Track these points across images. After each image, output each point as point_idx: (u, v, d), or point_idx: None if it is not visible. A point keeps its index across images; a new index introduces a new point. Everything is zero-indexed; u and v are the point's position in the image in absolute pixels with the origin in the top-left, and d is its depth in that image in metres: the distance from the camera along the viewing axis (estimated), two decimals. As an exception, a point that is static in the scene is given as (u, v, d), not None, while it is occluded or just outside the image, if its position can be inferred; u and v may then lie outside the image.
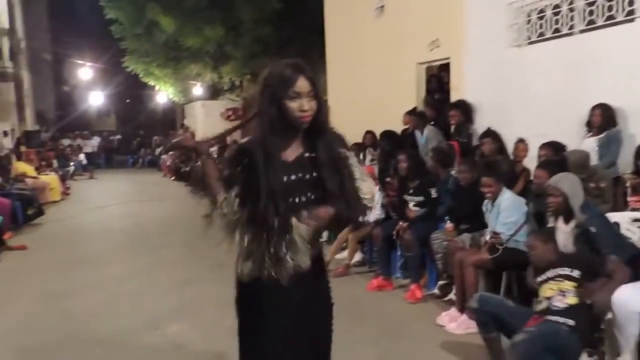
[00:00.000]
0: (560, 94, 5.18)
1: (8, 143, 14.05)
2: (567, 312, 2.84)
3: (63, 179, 12.67)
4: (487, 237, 3.84)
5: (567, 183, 3.27)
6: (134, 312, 4.27)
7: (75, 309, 4.38)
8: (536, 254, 3.15)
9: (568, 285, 2.92)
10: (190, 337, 3.72)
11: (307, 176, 1.78)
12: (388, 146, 6.50)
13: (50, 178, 11.23)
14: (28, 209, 8.10)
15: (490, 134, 5.09)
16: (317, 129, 1.80)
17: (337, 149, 1.84)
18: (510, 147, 5.06)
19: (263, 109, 1.75)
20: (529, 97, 5.55)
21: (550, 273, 3.02)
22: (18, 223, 7.70)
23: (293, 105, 1.72)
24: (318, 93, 1.78)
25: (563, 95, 5.14)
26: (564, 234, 3.26)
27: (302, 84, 1.73)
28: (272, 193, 1.69)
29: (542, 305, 2.94)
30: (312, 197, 1.79)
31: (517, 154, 4.90)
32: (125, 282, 5.17)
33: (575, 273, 2.94)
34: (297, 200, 1.76)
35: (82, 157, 17.57)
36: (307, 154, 1.81)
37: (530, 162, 4.68)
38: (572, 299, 2.88)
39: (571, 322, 2.79)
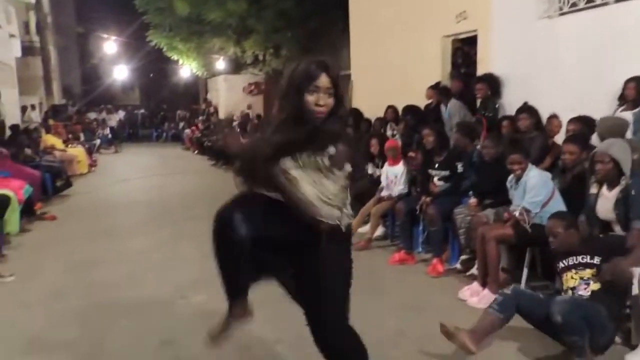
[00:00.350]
0: (591, 67, 5.01)
1: (36, 116, 14.33)
2: (594, 299, 2.84)
3: (90, 152, 12.91)
4: (517, 214, 3.77)
5: (618, 149, 3.20)
6: (160, 282, 4.38)
7: (103, 278, 4.51)
8: (558, 240, 3.10)
9: (589, 273, 2.91)
10: (215, 306, 3.77)
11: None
12: (412, 121, 6.45)
13: (78, 151, 11.45)
14: (57, 180, 8.29)
15: (526, 109, 4.94)
16: (327, 124, 1.93)
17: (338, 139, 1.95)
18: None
19: (286, 97, 1.93)
20: (559, 71, 5.39)
21: (571, 260, 3.00)
22: (47, 194, 7.90)
23: (311, 98, 1.89)
24: (339, 92, 1.93)
25: (595, 68, 4.98)
26: (606, 201, 3.21)
27: (323, 80, 1.89)
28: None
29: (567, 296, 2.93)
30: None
31: (552, 129, 4.77)
32: (150, 253, 5.28)
33: (596, 260, 2.93)
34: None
35: (107, 130, 17.81)
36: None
37: (559, 137, 4.58)
38: (594, 285, 2.87)
39: (602, 308, 2.79)
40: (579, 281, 2.94)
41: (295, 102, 1.90)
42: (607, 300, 2.84)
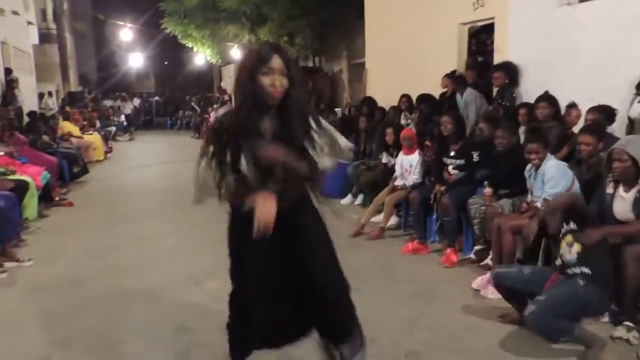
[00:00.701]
0: (611, 55, 4.91)
1: (53, 103, 14.48)
2: (579, 260, 2.93)
3: (105, 139, 13.03)
4: (539, 204, 3.73)
5: (636, 146, 3.08)
6: (174, 268, 4.43)
7: (119, 263, 4.57)
8: (550, 222, 3.22)
9: (570, 238, 3.02)
10: (228, 293, 3.83)
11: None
12: (426, 110, 6.40)
13: (94, 138, 11.56)
14: (74, 167, 8.40)
15: (546, 98, 4.86)
16: (288, 105, 1.99)
17: (305, 116, 2.05)
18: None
19: (241, 82, 1.95)
20: (578, 59, 5.30)
21: (562, 231, 3.12)
22: (64, 180, 8.01)
23: (266, 80, 1.92)
24: (292, 73, 1.97)
25: (614, 56, 4.88)
26: (624, 202, 3.15)
27: (275, 62, 1.92)
28: (253, 162, 1.92)
29: (558, 262, 3.07)
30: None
31: (571, 120, 4.67)
32: (165, 239, 5.34)
33: (572, 225, 3.04)
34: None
35: (122, 118, 17.95)
36: (279, 130, 2.00)
37: (577, 127, 4.51)
38: (577, 247, 2.97)
39: (585, 269, 2.86)
40: (565, 247, 3.04)
41: (250, 85, 1.93)
42: (591, 260, 2.90)
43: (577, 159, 4.05)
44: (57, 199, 6.92)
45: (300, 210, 2.13)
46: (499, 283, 3.18)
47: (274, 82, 1.92)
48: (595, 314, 3.03)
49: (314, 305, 2.16)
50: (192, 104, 20.09)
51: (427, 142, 5.25)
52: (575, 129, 4.61)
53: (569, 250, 2.99)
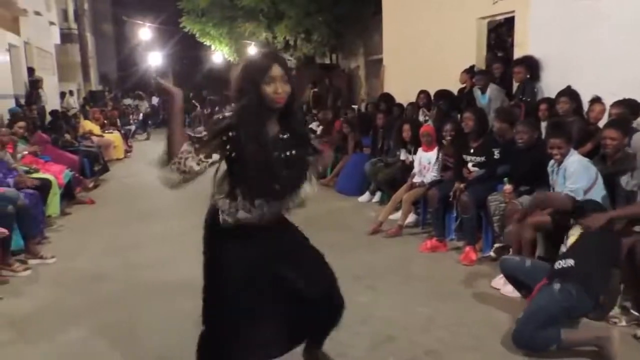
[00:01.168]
0: (636, 48, 4.80)
1: (74, 102, 14.73)
2: (567, 252, 2.99)
3: (125, 137, 13.19)
4: None
5: None
6: (192, 265, 4.39)
7: (139, 260, 4.63)
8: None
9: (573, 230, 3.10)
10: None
11: (282, 155, 2.07)
12: (445, 106, 6.34)
13: (114, 136, 11.71)
14: (95, 165, 8.52)
15: (567, 92, 4.77)
16: (290, 110, 2.10)
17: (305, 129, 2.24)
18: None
19: (244, 92, 2.03)
20: (601, 52, 5.19)
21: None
22: (86, 179, 8.13)
23: (269, 88, 2.01)
24: (291, 79, 2.07)
25: (638, 50, 4.76)
26: None
27: (275, 70, 2.02)
28: (263, 164, 1.99)
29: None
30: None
31: (594, 115, 4.56)
32: (184, 236, 5.36)
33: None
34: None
35: (140, 117, 18.13)
36: (281, 135, 2.09)
37: (602, 122, 4.42)
38: (572, 239, 3.03)
39: (571, 261, 2.87)
40: (565, 239, 3.13)
41: (253, 94, 2.01)
42: (579, 253, 2.90)
43: (601, 154, 3.97)
44: (91, 185, 7.02)
45: (283, 222, 2.25)
46: (503, 269, 3.34)
47: (276, 89, 2.01)
48: (580, 315, 2.92)
49: (306, 307, 2.25)
50: (193, 101, 20.21)
51: (443, 141, 5.19)
52: (600, 123, 4.51)
53: (566, 242, 3.05)
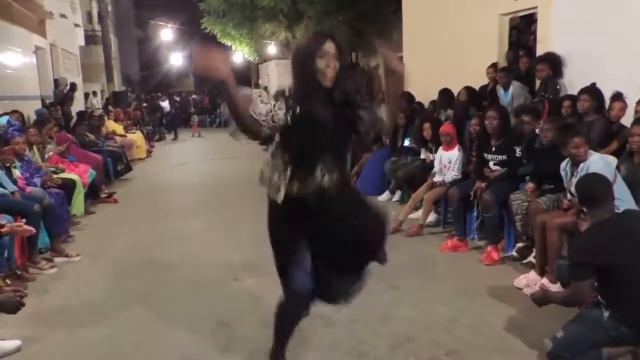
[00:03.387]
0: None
1: (98, 103, 14.99)
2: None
3: (148, 137, 13.37)
4: None
5: None
6: (214, 264, 4.51)
7: (161, 259, 4.69)
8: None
9: None
10: (267, 291, 3.86)
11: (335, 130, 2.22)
12: (463, 108, 6.26)
13: (137, 136, 11.89)
14: (118, 165, 8.66)
15: (588, 90, 4.65)
16: (340, 85, 2.22)
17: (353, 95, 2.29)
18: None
19: (300, 62, 2.20)
20: (626, 48, 5.06)
21: None
22: (109, 178, 8.28)
23: (321, 62, 2.16)
24: (342, 58, 2.23)
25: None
26: None
27: (329, 46, 2.18)
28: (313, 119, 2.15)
29: None
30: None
31: (615, 114, 4.42)
32: (205, 235, 5.45)
33: None
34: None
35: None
36: (331, 110, 2.21)
37: (626, 119, 4.31)
38: None
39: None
40: None
41: (308, 66, 2.16)
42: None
43: (628, 152, 3.88)
44: (105, 195, 7.15)
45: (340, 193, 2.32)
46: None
47: (328, 64, 2.16)
48: (627, 344, 2.55)
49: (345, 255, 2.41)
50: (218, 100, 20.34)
51: (471, 129, 5.12)
52: (625, 120, 4.40)
53: None
